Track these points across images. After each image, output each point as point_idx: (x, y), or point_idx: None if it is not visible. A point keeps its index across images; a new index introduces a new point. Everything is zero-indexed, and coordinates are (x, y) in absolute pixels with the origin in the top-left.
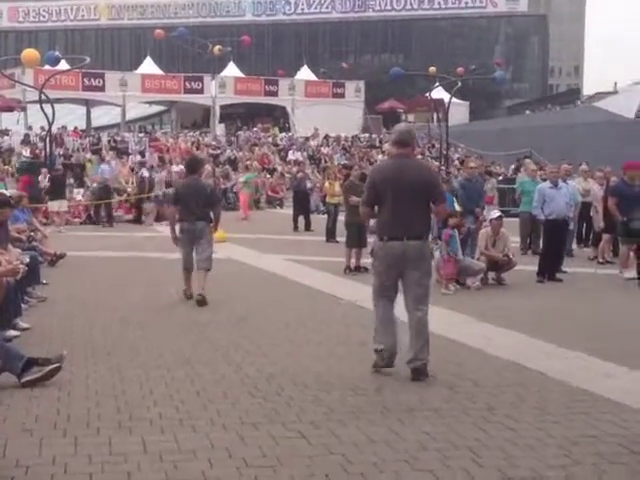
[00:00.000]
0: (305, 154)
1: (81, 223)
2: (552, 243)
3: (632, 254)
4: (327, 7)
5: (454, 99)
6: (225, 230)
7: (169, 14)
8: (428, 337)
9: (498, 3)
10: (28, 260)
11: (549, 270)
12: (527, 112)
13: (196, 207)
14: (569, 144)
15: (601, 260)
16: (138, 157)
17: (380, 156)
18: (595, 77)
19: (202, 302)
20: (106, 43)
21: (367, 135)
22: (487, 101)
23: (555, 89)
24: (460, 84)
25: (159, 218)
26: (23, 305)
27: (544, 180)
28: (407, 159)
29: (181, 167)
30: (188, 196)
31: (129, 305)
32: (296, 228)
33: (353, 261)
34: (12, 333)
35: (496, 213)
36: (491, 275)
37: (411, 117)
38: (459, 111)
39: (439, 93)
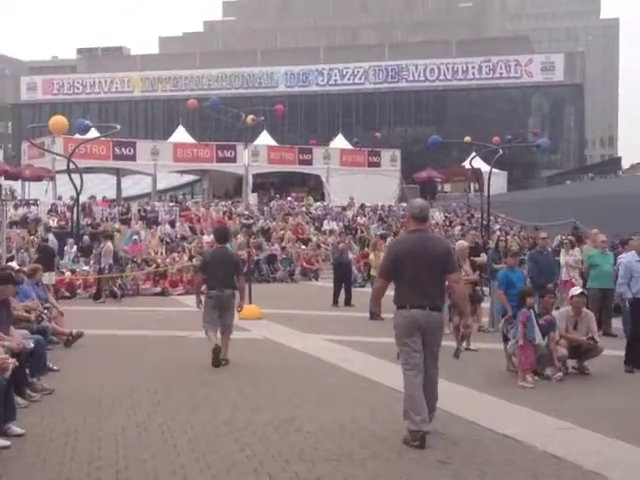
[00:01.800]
0: (341, 224)
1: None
2: None
3: None
4: (360, 78)
5: (493, 169)
6: (259, 305)
7: (202, 86)
8: (437, 397)
9: (533, 73)
10: (32, 346)
11: (638, 357)
12: (568, 182)
13: (223, 276)
14: (614, 215)
15: None
16: (167, 227)
17: None
18: (628, 147)
19: (219, 362)
20: (139, 114)
21: (405, 205)
22: (524, 171)
23: (589, 160)
24: (501, 152)
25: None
26: (22, 401)
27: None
28: (425, 233)
29: (212, 237)
30: (216, 265)
31: (150, 402)
32: (336, 303)
33: None
34: (1, 443)
35: (577, 290)
36: (571, 363)
37: (447, 187)
38: (497, 181)
39: (475, 163)
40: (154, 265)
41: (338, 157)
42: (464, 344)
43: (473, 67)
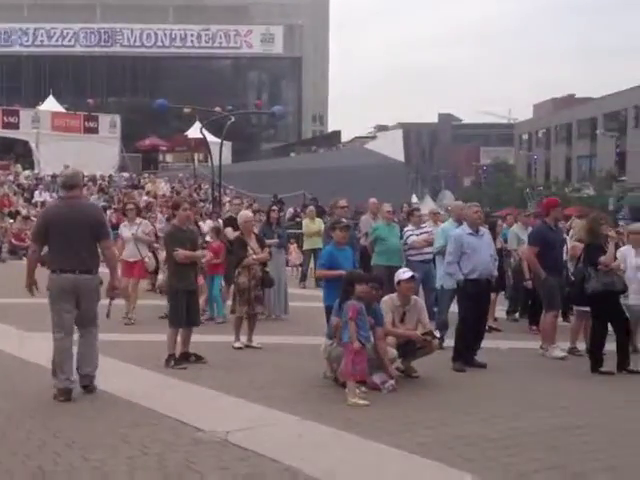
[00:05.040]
0: (54, 195)
1: None
2: (473, 314)
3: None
4: (70, 40)
5: (216, 139)
6: None
7: None
8: (97, 352)
9: (253, 44)
10: None
11: (468, 352)
12: (292, 154)
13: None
14: (343, 186)
15: (493, 325)
16: None
17: (145, 197)
18: (336, 126)
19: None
20: None
21: (127, 175)
22: (246, 144)
23: (303, 135)
24: (233, 119)
25: None
26: None
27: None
28: (76, 200)
29: None
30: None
31: None
32: None
33: (179, 344)
34: None
35: (407, 273)
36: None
37: (170, 157)
38: (222, 152)
39: (196, 132)
40: None
41: (49, 121)
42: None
43: (192, 35)
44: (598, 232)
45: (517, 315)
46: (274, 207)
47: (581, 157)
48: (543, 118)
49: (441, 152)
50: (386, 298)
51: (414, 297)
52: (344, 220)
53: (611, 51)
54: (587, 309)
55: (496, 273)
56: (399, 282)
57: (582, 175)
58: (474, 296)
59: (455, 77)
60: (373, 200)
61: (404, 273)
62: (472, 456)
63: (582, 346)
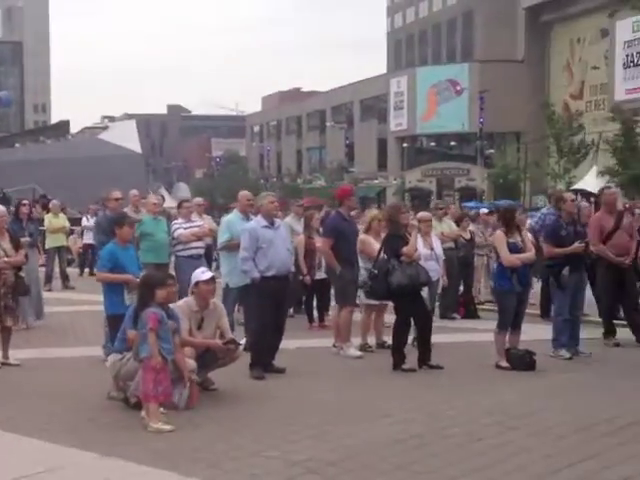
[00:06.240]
0: None
1: None
2: (272, 314)
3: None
4: None
5: None
6: None
7: None
8: None
9: None
10: None
11: (267, 356)
12: (17, 145)
13: None
14: (77, 178)
15: None
16: None
17: None
18: (60, 115)
19: None
20: None
21: None
22: None
23: (25, 124)
24: None
25: None
26: None
27: None
28: None
29: None
30: None
31: None
32: None
33: None
34: None
35: (206, 273)
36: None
37: None
38: None
39: None
40: None
41: None
42: None
43: None
44: (398, 221)
45: (291, 311)
46: (25, 201)
47: (311, 149)
48: (274, 110)
49: (171, 144)
50: (181, 303)
51: (213, 300)
52: (134, 213)
53: (337, 46)
54: (375, 302)
55: (293, 268)
56: (197, 283)
57: (313, 166)
58: (272, 295)
59: (184, 70)
60: (134, 192)
61: (203, 273)
62: None
63: (372, 341)
